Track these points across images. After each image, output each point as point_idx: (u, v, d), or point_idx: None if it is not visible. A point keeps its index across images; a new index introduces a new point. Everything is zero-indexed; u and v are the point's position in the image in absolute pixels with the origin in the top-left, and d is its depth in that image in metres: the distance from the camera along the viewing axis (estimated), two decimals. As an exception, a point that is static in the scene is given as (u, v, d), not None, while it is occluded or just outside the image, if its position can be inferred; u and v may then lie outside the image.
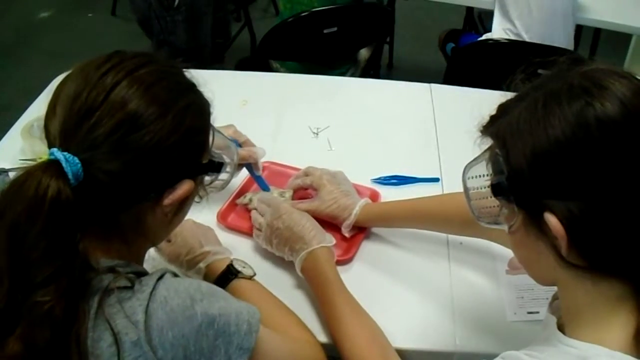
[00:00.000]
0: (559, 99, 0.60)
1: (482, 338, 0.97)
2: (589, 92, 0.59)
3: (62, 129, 0.65)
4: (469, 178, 0.75)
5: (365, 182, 1.27)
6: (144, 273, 0.72)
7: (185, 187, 0.72)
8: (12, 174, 1.19)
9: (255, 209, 1.12)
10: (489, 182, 0.69)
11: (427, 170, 1.31)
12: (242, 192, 1.22)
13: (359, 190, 1.21)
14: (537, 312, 0.99)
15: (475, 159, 0.74)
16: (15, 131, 1.34)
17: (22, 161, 1.23)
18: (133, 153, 0.66)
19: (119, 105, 0.65)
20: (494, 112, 0.70)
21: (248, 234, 1.13)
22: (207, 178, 0.80)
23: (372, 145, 1.40)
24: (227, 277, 0.94)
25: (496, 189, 0.66)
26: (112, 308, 0.63)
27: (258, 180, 1.20)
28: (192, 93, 0.74)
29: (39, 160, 0.64)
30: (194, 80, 0.76)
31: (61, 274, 0.60)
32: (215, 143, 0.79)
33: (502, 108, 0.69)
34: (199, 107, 0.75)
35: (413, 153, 1.38)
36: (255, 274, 0.97)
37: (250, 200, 1.17)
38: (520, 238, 0.68)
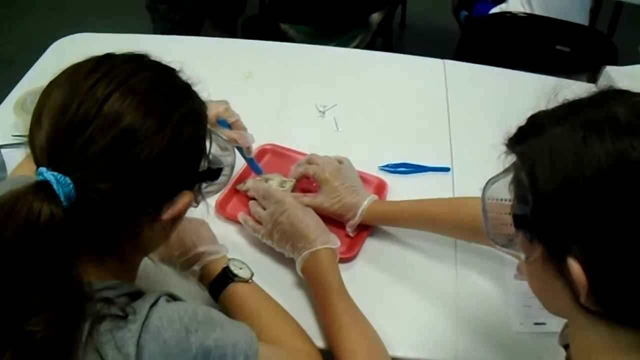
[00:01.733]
0: (601, 132, 0.54)
1: (485, 349, 0.93)
2: (636, 133, 0.52)
3: (50, 144, 0.60)
4: (488, 199, 0.69)
5: (372, 169, 1.21)
6: (139, 293, 0.67)
7: (184, 199, 0.68)
8: (4, 151, 1.15)
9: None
10: (510, 206, 0.63)
11: (437, 158, 1.26)
12: (242, 178, 1.17)
13: (366, 179, 1.16)
14: (544, 324, 0.95)
15: (496, 177, 0.68)
16: (7, 106, 1.28)
17: (15, 137, 1.19)
18: (130, 170, 0.61)
19: (113, 119, 0.60)
20: (522, 124, 0.63)
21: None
22: (203, 184, 0.75)
23: (381, 128, 1.34)
24: (223, 281, 0.90)
25: (519, 221, 0.61)
26: (102, 337, 0.60)
27: (250, 162, 1.14)
28: (188, 98, 0.69)
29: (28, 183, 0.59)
30: (189, 80, 0.71)
31: (54, 303, 0.57)
32: (212, 144, 0.75)
33: (534, 124, 0.62)
34: (197, 114, 0.70)
35: (423, 138, 1.32)
36: (253, 275, 0.92)
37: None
38: (536, 270, 0.63)
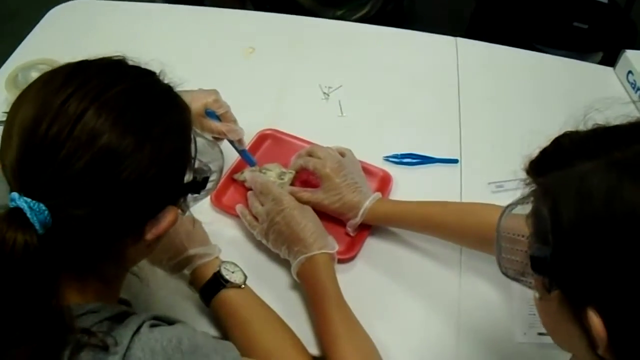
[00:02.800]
0: (637, 176, 0.48)
1: (487, 359, 0.90)
2: None
3: (20, 167, 0.56)
4: (504, 234, 0.63)
5: (377, 159, 1.16)
6: (123, 314, 0.64)
7: (169, 217, 0.64)
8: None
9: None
10: (526, 242, 0.58)
11: (445, 148, 1.20)
12: (239, 166, 1.12)
13: (370, 171, 1.11)
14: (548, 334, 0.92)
15: (513, 205, 0.62)
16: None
17: (5, 114, 1.13)
18: (109, 193, 0.57)
19: (87, 139, 0.55)
20: (546, 147, 0.57)
21: (243, 218, 1.04)
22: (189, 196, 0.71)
23: (387, 114, 1.28)
24: (214, 287, 0.86)
25: (537, 264, 0.55)
26: None
27: (242, 154, 1.09)
28: (169, 108, 0.64)
29: None
30: (170, 83, 0.66)
31: (33, 334, 0.54)
32: (198, 149, 0.69)
33: (560, 153, 0.55)
34: (179, 124, 0.65)
35: (431, 126, 1.26)
36: (246, 278, 0.89)
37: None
38: (550, 309, 0.58)
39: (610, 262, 0.48)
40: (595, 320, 0.50)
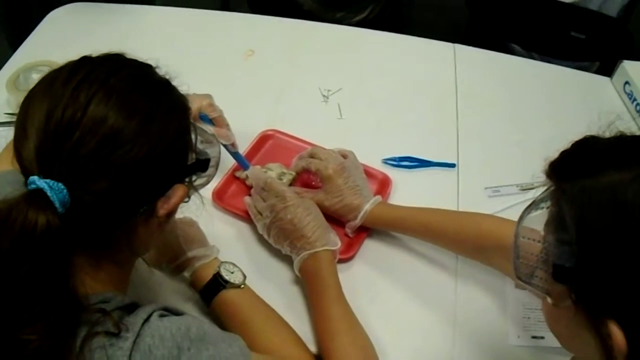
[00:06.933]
0: None
1: (481, 362, 0.92)
2: None
3: (38, 153, 0.59)
4: (522, 237, 0.62)
5: (375, 161, 1.17)
6: (132, 305, 0.66)
7: (179, 193, 0.68)
8: (-2, 129, 1.13)
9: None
10: (540, 247, 0.58)
11: (442, 152, 1.22)
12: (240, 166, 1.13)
13: (370, 174, 1.13)
14: (542, 338, 0.93)
15: (531, 207, 0.61)
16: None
17: (7, 115, 1.16)
18: (122, 168, 0.60)
19: (99, 120, 0.59)
20: (567, 150, 0.57)
21: (245, 216, 1.05)
22: (193, 177, 0.74)
23: (385, 117, 1.30)
24: (214, 288, 0.88)
25: (560, 273, 0.54)
26: (94, 353, 0.59)
27: (235, 156, 1.10)
28: (170, 92, 0.69)
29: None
30: (167, 76, 0.70)
31: (50, 311, 0.56)
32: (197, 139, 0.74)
33: (585, 159, 0.55)
34: (180, 107, 0.69)
35: (429, 130, 1.27)
36: (245, 278, 0.90)
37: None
38: (563, 316, 0.57)
39: (638, 277, 0.48)
40: (617, 334, 0.50)
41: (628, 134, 0.55)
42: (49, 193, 0.56)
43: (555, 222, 0.55)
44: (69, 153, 0.58)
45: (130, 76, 0.65)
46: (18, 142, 0.61)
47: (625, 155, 0.52)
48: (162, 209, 0.67)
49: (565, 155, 0.57)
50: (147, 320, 0.63)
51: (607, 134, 0.57)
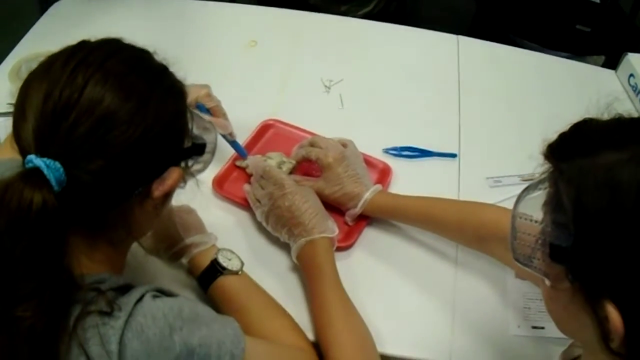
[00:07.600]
0: None
1: (480, 351, 0.90)
2: None
3: (36, 133, 0.59)
4: (519, 217, 0.62)
5: (376, 151, 1.17)
6: (127, 287, 0.66)
7: (174, 175, 0.68)
8: (1, 120, 1.12)
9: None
10: (538, 228, 0.58)
11: (444, 143, 1.21)
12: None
13: (370, 163, 1.12)
14: (543, 328, 0.93)
15: (530, 189, 0.61)
16: (2, 73, 1.23)
17: (10, 105, 1.15)
18: (117, 148, 0.61)
19: (95, 101, 0.60)
20: (565, 132, 0.56)
21: (244, 204, 1.05)
22: (190, 161, 0.74)
23: (387, 108, 1.29)
24: (212, 274, 0.87)
25: (556, 253, 0.54)
26: (87, 332, 0.59)
27: (233, 145, 1.10)
28: (167, 76, 0.69)
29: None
30: (164, 62, 0.70)
31: (44, 288, 0.56)
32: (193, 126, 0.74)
33: (582, 140, 0.54)
34: (177, 90, 0.70)
35: (431, 121, 1.27)
36: (243, 265, 0.90)
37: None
38: (560, 297, 0.57)
39: (634, 257, 0.48)
40: (613, 314, 0.50)
41: (624, 115, 0.55)
42: (45, 171, 0.57)
43: (553, 203, 0.55)
44: (65, 133, 0.59)
45: (127, 59, 0.65)
46: (17, 123, 0.61)
47: (622, 136, 0.52)
48: (157, 191, 0.67)
49: (563, 136, 0.56)
50: (140, 300, 0.63)
51: (606, 116, 0.56)
